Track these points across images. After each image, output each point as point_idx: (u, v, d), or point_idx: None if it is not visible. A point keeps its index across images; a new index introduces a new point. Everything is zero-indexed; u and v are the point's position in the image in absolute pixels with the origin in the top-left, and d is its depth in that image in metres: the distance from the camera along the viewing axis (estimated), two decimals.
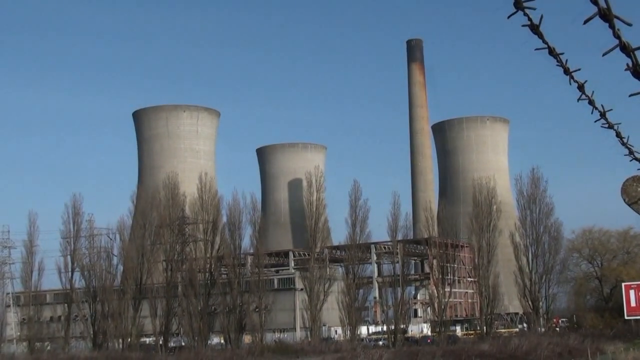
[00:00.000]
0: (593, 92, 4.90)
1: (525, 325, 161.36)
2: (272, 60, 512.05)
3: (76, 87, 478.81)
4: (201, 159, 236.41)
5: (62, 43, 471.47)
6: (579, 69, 4.63)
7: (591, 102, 4.94)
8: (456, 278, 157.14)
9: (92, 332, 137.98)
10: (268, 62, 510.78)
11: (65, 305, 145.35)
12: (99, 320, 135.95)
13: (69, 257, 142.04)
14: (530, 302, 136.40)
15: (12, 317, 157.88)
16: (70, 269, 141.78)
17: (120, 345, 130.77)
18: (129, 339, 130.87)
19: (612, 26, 3.61)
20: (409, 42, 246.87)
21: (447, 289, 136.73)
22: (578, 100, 4.88)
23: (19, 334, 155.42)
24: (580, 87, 4.77)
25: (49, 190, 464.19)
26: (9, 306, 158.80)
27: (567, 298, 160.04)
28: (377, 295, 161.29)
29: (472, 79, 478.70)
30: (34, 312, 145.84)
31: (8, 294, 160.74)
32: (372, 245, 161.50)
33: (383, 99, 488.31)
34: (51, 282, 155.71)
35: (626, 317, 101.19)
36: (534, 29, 4.11)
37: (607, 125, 5.30)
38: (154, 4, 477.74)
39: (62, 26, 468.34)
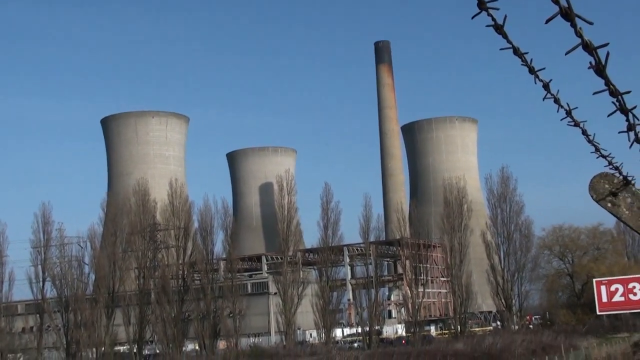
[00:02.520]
0: (558, 90, 4.93)
1: (499, 323, 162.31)
2: (240, 65, 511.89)
3: (43, 94, 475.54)
4: (171, 164, 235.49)
5: (28, 48, 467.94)
6: (544, 68, 4.66)
7: (557, 101, 4.97)
8: (429, 278, 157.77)
9: (65, 342, 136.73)
10: (235, 67, 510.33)
11: (37, 315, 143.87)
12: (72, 329, 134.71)
13: (39, 266, 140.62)
14: (503, 300, 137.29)
15: None
16: (41, 279, 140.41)
17: (94, 355, 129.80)
18: (103, 348, 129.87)
19: (573, 25, 3.63)
20: (376, 44, 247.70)
21: (421, 290, 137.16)
22: (544, 99, 4.90)
23: None
24: (546, 86, 4.80)
25: (17, 200, 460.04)
26: None
27: (540, 295, 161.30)
28: (350, 297, 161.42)
29: (439, 79, 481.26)
30: (5, 323, 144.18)
31: None
32: (345, 248, 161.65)
33: (352, 101, 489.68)
34: (22, 292, 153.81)
35: (598, 313, 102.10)
36: (498, 29, 4.13)
37: (573, 124, 5.33)
38: (120, 9, 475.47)
39: (29, 31, 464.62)
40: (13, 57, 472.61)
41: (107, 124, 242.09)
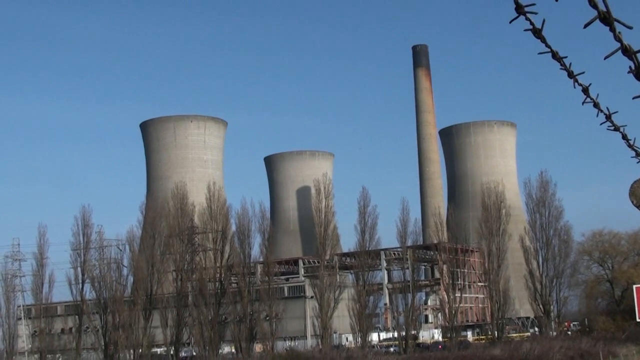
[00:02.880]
0: (598, 94, 4.90)
1: (536, 329, 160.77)
2: (278, 69, 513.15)
3: (84, 99, 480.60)
4: (209, 168, 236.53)
5: (69, 54, 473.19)
6: (583, 72, 4.63)
7: (596, 105, 4.94)
8: (466, 283, 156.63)
9: (103, 344, 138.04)
10: (274, 70, 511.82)
11: (76, 316, 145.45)
12: (110, 331, 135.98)
13: (79, 268, 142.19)
14: (541, 306, 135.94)
15: (24, 329, 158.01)
16: (80, 281, 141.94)
17: (132, 356, 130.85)
18: (140, 350, 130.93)
19: (612, 29, 3.61)
20: (414, 48, 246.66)
21: (458, 294, 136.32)
22: (583, 103, 4.88)
23: (30, 346, 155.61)
24: (585, 90, 4.77)
25: (58, 203, 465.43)
26: (20, 319, 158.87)
27: (579, 301, 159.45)
28: (387, 301, 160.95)
29: (478, 83, 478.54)
30: (45, 324, 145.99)
31: (19, 306, 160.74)
32: (382, 252, 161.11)
33: (390, 105, 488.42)
34: (62, 294, 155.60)
35: (638, 320, 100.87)
36: (537, 33, 4.12)
37: (613, 128, 5.30)
38: (160, 14, 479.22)
39: (69, 37, 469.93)
40: (54, 61, 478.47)
41: (147, 128, 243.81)
